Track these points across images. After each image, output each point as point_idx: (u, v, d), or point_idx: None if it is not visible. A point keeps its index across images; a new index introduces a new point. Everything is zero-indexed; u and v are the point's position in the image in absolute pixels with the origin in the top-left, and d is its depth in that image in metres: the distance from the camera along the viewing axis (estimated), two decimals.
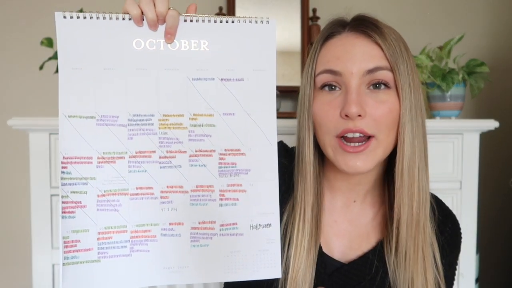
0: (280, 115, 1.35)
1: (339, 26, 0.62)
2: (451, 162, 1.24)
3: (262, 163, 0.58)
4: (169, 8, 0.51)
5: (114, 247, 0.53)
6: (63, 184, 0.51)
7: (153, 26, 0.52)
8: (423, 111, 0.62)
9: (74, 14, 0.51)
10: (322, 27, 1.66)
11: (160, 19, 0.51)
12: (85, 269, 0.52)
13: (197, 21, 0.54)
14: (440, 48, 1.25)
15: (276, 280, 0.63)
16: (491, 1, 1.69)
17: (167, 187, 0.54)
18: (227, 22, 0.55)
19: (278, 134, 1.17)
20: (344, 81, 0.58)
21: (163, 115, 0.54)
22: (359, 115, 0.57)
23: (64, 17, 0.51)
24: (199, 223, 0.56)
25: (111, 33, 0.52)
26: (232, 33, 0.55)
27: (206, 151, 0.56)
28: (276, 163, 0.59)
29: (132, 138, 0.53)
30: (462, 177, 1.25)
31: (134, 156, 0.53)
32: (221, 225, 0.57)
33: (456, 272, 1.25)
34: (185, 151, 0.55)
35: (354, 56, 0.58)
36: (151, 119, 0.54)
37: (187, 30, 0.54)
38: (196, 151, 0.55)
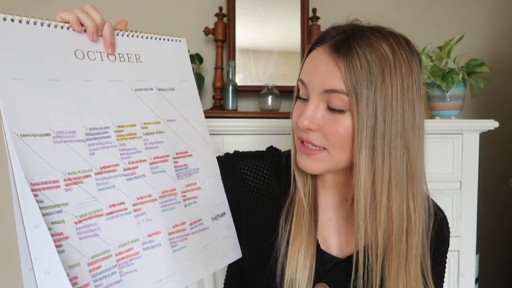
0: (280, 115, 1.35)
1: (323, 38, 0.61)
2: (451, 162, 1.24)
3: (206, 161, 0.63)
4: None
5: (106, 276, 0.48)
6: (43, 215, 0.43)
7: (95, 33, 0.51)
8: (409, 134, 0.58)
9: (16, 18, 0.45)
10: (322, 27, 1.66)
11: (100, 28, 0.51)
12: None
13: (127, 35, 0.56)
14: (440, 48, 1.24)
15: (275, 280, 0.64)
16: (491, 1, 1.68)
17: (138, 198, 0.53)
18: (146, 38, 0.59)
19: (279, 134, 1.17)
20: (309, 94, 0.60)
21: (118, 126, 0.53)
22: (310, 129, 0.59)
23: (4, 19, 0.44)
24: (173, 227, 0.56)
25: (52, 41, 0.48)
26: (155, 48, 0.59)
27: (162, 157, 0.57)
28: (215, 159, 0.65)
29: (94, 154, 0.49)
30: (462, 177, 1.24)
31: (100, 173, 0.50)
32: (191, 224, 0.59)
33: (456, 272, 1.25)
34: (145, 160, 0.55)
35: (318, 73, 0.59)
36: (107, 132, 0.51)
37: (120, 43, 0.55)
38: (154, 158, 0.56)
